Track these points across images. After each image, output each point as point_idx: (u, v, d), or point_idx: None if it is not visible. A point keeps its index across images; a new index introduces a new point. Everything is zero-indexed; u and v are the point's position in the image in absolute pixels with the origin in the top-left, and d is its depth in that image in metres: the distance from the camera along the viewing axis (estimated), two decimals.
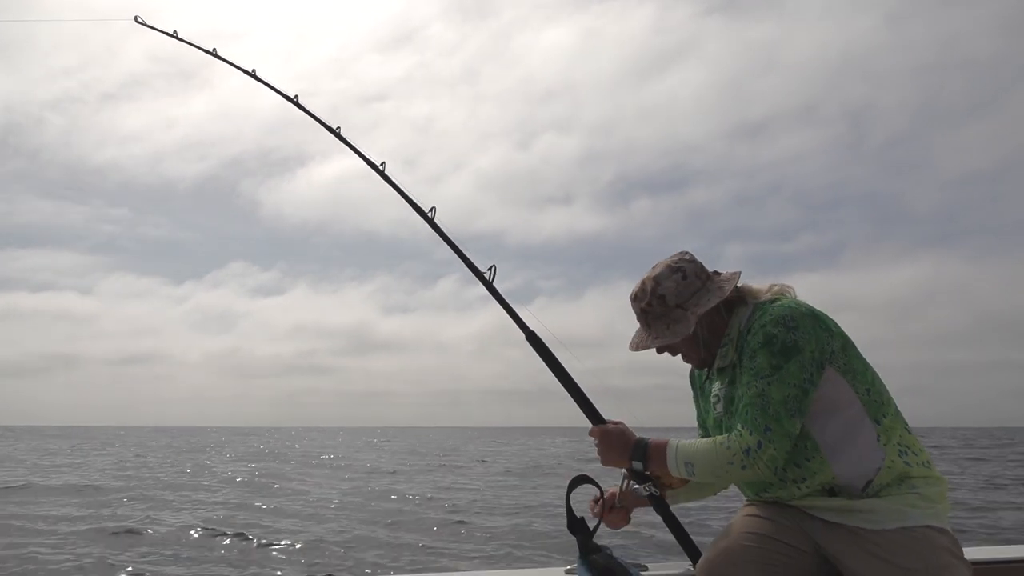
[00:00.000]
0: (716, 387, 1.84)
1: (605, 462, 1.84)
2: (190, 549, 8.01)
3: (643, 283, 1.84)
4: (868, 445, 1.63)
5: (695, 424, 2.02)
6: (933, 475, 1.66)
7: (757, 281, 1.86)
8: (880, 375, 1.74)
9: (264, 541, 8.38)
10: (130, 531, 9.09)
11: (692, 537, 1.89)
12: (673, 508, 1.92)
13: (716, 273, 1.85)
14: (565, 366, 2.01)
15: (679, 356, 1.89)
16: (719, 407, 1.82)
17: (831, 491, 1.66)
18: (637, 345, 1.86)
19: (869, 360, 1.73)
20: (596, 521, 1.95)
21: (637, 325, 1.88)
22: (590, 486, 2.00)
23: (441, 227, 2.29)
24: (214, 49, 3.01)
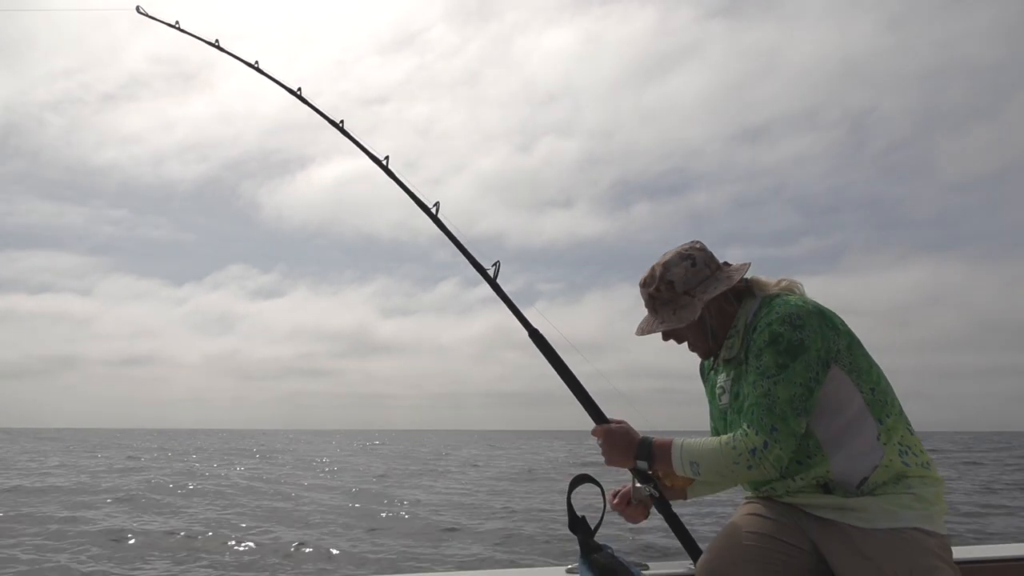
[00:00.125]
0: (721, 379, 1.85)
1: (609, 462, 1.83)
2: (171, 553, 7.96)
3: (652, 269, 1.85)
4: (868, 443, 1.64)
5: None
6: (931, 476, 1.66)
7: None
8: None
9: (248, 545, 8.34)
10: (112, 534, 9.04)
11: (693, 536, 1.89)
12: (674, 507, 1.91)
13: (726, 264, 1.86)
14: (569, 365, 1.99)
15: (684, 345, 1.89)
16: (724, 398, 1.83)
17: (826, 486, 1.66)
18: (643, 330, 1.86)
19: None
20: (597, 520, 1.94)
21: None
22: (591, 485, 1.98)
23: (445, 224, 2.27)
24: (216, 40, 2.97)
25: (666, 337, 1.87)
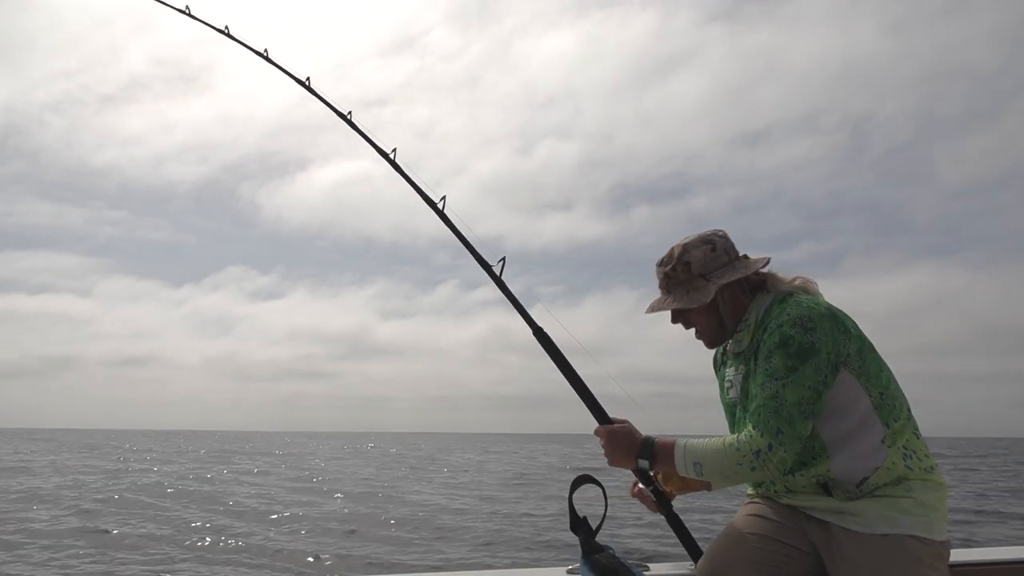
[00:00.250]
0: (730, 372, 1.85)
1: (611, 462, 1.82)
2: (152, 551, 7.93)
3: (671, 249, 1.85)
4: (872, 445, 1.63)
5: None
6: (933, 480, 1.65)
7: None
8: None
9: (228, 544, 8.32)
10: (96, 532, 8.99)
11: (694, 536, 1.88)
12: (675, 506, 1.91)
13: (746, 256, 1.86)
14: (572, 366, 1.98)
15: (692, 331, 1.88)
16: (732, 392, 1.83)
17: (826, 485, 1.66)
18: (653, 308, 1.86)
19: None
20: (599, 521, 1.93)
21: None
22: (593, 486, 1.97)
23: (450, 218, 2.24)
24: (226, 27, 2.92)
25: (675, 319, 1.86)
